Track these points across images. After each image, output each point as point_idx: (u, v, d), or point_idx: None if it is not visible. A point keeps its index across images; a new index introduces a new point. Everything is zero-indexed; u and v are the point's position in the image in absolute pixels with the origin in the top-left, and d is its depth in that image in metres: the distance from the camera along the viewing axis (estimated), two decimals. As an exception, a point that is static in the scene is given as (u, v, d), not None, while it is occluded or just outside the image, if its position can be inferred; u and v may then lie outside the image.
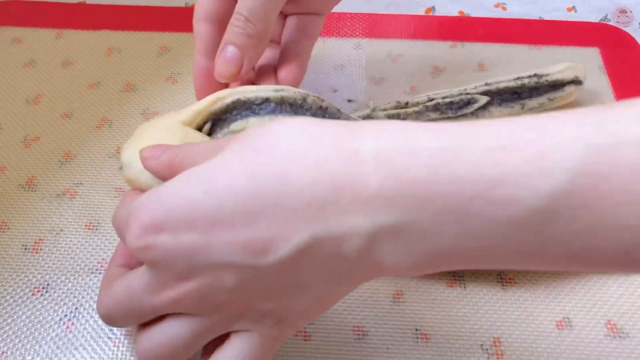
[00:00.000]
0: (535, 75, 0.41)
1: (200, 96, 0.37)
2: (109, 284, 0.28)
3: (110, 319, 0.28)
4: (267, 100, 0.35)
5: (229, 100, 0.35)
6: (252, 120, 0.35)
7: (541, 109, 0.42)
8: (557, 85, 0.41)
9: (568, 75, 0.41)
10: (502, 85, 0.41)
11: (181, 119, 0.35)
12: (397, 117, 0.39)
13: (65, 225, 0.38)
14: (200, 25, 0.36)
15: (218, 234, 0.23)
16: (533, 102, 0.41)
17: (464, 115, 0.40)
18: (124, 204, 0.29)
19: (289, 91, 0.35)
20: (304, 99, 0.35)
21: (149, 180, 0.31)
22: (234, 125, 0.35)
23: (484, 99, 0.40)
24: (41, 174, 0.41)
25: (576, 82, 0.42)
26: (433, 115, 0.40)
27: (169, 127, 0.35)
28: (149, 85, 0.47)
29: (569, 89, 0.41)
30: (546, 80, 0.41)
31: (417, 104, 0.40)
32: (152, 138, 0.34)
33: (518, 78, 0.41)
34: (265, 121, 0.35)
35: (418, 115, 0.40)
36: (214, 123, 0.36)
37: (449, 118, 0.40)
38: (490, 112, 0.41)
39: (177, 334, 0.26)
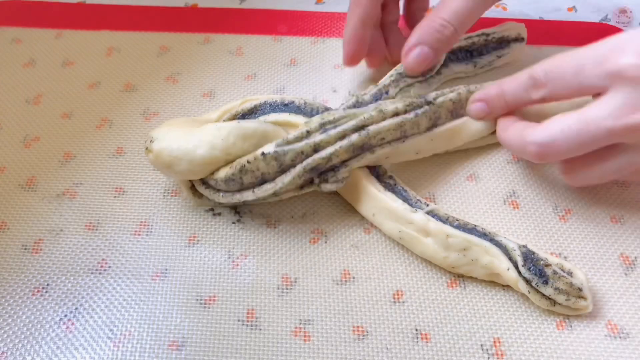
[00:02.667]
0: (482, 33, 0.45)
1: (349, 60, 0.41)
2: (522, 125, 0.35)
3: (550, 148, 0.32)
4: (292, 102, 0.39)
5: (256, 102, 0.39)
6: (273, 115, 0.38)
7: (490, 66, 0.46)
8: (503, 43, 0.46)
9: (512, 33, 0.46)
10: (455, 45, 0.44)
11: (208, 118, 0.38)
12: (380, 93, 0.41)
13: (65, 225, 0.38)
14: None
15: None
16: (483, 60, 0.46)
17: (432, 77, 0.43)
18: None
19: (313, 102, 0.39)
20: (326, 110, 0.39)
21: (178, 149, 0.35)
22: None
23: (442, 57, 0.43)
24: (41, 174, 0.41)
25: (519, 39, 0.46)
26: (409, 80, 0.42)
27: (196, 119, 0.38)
28: (149, 85, 0.47)
29: (514, 46, 0.46)
30: (493, 38, 0.45)
31: (391, 75, 0.42)
32: (181, 122, 0.37)
33: (468, 37, 0.45)
34: (285, 117, 0.38)
35: (397, 83, 0.42)
36: None
37: (419, 81, 0.43)
38: (451, 68, 0.45)
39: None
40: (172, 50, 0.49)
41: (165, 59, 0.49)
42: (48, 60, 0.48)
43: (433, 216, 0.36)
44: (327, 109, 0.38)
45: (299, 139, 0.35)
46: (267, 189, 0.35)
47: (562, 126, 0.32)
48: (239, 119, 0.39)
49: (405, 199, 0.37)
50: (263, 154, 0.35)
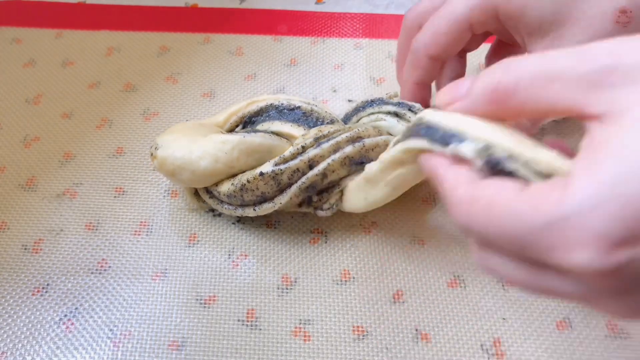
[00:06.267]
0: None
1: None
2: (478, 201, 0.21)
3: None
4: (298, 107, 0.37)
5: (262, 103, 0.38)
6: (276, 123, 0.36)
7: None
8: None
9: None
10: None
11: (215, 121, 0.38)
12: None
13: (65, 225, 0.38)
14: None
15: None
16: None
17: None
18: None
19: (320, 108, 0.38)
20: (332, 122, 0.37)
21: (182, 158, 0.35)
22: (259, 126, 0.37)
23: None
24: (41, 174, 0.41)
25: None
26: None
27: (203, 124, 0.38)
28: (149, 85, 0.47)
29: None
30: None
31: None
32: (187, 128, 0.37)
33: None
34: (287, 128, 0.36)
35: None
36: (244, 126, 0.38)
37: None
38: None
39: None
40: (172, 50, 0.49)
41: (165, 59, 0.49)
42: (48, 60, 0.48)
43: None
44: (332, 120, 0.37)
45: (294, 155, 0.34)
46: (267, 208, 0.35)
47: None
48: (245, 121, 0.38)
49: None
50: (261, 173, 0.34)
